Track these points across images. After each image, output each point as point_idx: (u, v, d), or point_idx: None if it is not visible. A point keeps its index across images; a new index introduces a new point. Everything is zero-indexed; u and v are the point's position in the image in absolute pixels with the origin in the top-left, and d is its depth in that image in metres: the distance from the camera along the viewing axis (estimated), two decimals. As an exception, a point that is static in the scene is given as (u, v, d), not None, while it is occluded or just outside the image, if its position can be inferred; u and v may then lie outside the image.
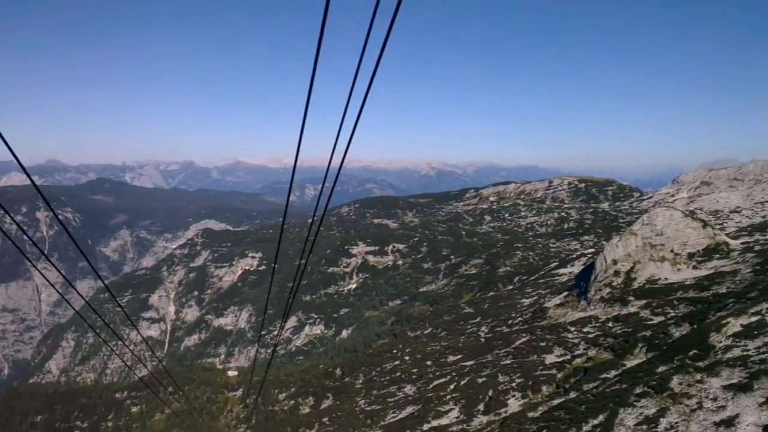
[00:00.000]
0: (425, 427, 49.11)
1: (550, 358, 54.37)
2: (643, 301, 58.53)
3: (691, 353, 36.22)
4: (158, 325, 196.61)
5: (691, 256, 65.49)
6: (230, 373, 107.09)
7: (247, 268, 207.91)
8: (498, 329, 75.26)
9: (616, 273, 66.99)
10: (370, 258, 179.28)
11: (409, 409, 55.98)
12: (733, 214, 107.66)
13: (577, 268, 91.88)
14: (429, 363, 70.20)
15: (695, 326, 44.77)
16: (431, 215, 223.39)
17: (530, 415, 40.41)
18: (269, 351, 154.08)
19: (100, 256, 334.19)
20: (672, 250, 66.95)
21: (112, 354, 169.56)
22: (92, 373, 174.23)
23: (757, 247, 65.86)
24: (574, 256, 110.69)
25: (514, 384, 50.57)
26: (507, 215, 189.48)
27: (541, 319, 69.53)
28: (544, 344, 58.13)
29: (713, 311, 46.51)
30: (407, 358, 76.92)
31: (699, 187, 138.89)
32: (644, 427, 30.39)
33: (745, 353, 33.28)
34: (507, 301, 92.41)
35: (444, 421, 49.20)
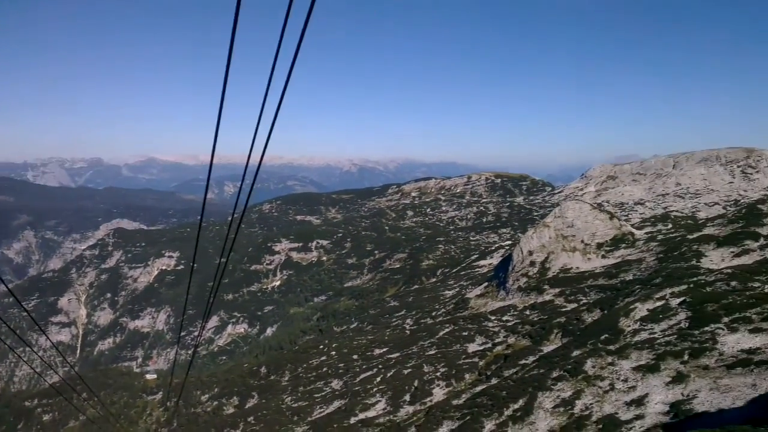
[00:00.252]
0: (352, 420, 49.34)
1: (472, 347, 56.08)
2: (558, 289, 61.58)
3: (602, 337, 38.50)
4: (69, 330, 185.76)
5: (599, 246, 69.52)
6: (149, 376, 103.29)
7: (164, 268, 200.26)
8: (422, 321, 76.71)
9: (532, 263, 70.03)
10: (294, 255, 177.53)
11: (337, 404, 56.06)
12: (637, 206, 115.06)
13: (495, 259, 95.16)
14: (355, 357, 70.56)
15: (605, 312, 47.61)
16: (354, 211, 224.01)
17: (454, 402, 41.54)
18: (190, 352, 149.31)
19: (3, 258, 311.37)
20: (582, 241, 70.80)
21: (20, 361, 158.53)
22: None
23: (659, 237, 70.88)
24: (493, 248, 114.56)
25: (438, 373, 51.77)
26: (428, 210, 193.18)
27: (463, 310, 71.53)
28: (466, 334, 59.86)
29: (621, 297, 49.64)
30: (333, 353, 76.94)
31: (605, 181, 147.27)
32: (561, 409, 32.00)
33: (651, 336, 35.76)
34: (430, 294, 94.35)
35: (371, 413, 49.63)
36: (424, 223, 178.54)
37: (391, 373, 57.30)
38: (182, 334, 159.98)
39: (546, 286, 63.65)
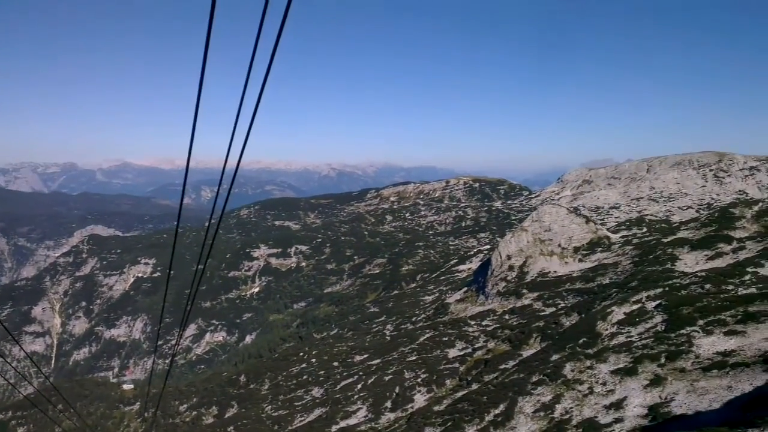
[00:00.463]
0: (333, 428, 49.00)
1: (452, 352, 56.15)
2: (536, 294, 62.05)
3: (580, 341, 38.80)
4: (43, 339, 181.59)
5: (576, 249, 70.26)
6: (125, 386, 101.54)
7: (140, 275, 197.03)
8: (403, 327, 76.62)
9: (511, 267, 70.48)
10: (273, 260, 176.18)
11: (317, 412, 55.60)
12: (612, 210, 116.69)
13: (475, 264, 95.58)
14: (336, 364, 70.15)
15: (583, 316, 48.05)
16: (333, 216, 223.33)
17: (435, 408, 41.50)
18: (167, 361, 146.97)
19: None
20: (559, 245, 71.50)
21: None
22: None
23: (635, 240, 71.91)
24: (472, 252, 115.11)
25: (419, 379, 51.69)
26: (408, 215, 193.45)
27: (443, 315, 71.62)
28: (446, 339, 59.93)
29: (598, 301, 50.16)
30: (314, 360, 76.42)
31: (581, 185, 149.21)
32: (542, 413, 32.13)
33: (629, 339, 36.14)
34: (410, 299, 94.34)
35: (352, 421, 49.32)
36: (404, 228, 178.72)
37: (372, 379, 57.07)
38: (159, 342, 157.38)
39: (524, 291, 64.07)
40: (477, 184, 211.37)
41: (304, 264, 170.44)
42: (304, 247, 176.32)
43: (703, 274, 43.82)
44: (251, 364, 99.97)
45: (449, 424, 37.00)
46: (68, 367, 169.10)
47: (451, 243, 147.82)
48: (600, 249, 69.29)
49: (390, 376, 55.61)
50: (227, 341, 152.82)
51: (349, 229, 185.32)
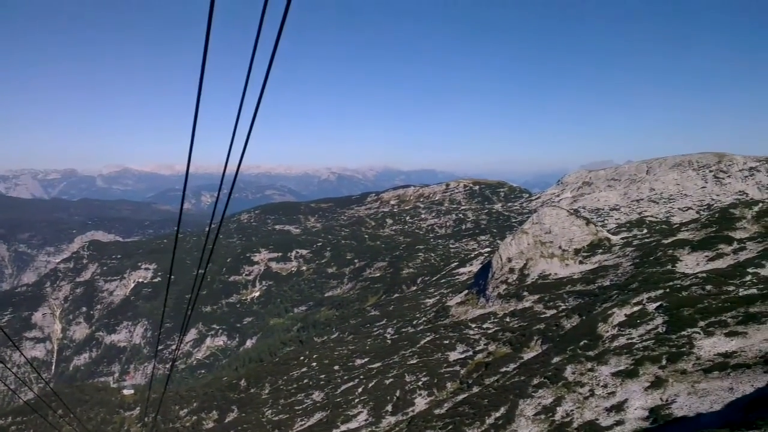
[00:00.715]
0: (334, 432, 48.86)
1: (453, 355, 56.05)
2: (537, 296, 61.97)
3: (581, 343, 38.73)
4: (44, 345, 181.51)
5: (577, 251, 70.21)
6: (126, 391, 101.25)
7: (140, 280, 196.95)
8: (403, 330, 76.51)
9: (511, 270, 70.42)
10: (273, 265, 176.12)
11: (318, 416, 55.47)
12: (612, 212, 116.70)
13: (475, 267, 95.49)
14: (336, 368, 70.02)
15: (584, 318, 47.96)
16: (333, 220, 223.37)
17: (436, 412, 41.38)
18: (168, 366, 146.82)
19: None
20: (560, 247, 71.45)
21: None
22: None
23: (635, 242, 71.88)
24: (472, 255, 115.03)
25: (420, 383, 51.58)
26: (408, 218, 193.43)
27: (444, 318, 71.54)
28: (447, 342, 59.83)
29: (599, 303, 50.07)
30: (314, 364, 76.26)
31: (581, 187, 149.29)
32: (542, 416, 32.05)
33: (630, 341, 36.07)
34: (411, 302, 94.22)
35: (353, 424, 49.21)
36: (404, 231, 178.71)
37: (373, 383, 56.95)
38: (160, 347, 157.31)
39: (525, 293, 64.00)
40: (477, 187, 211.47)
41: (304, 268, 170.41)
42: (304, 251, 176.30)
43: (704, 275, 43.75)
44: (252, 368, 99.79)
45: (450, 427, 36.91)
46: (68, 372, 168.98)
47: (451, 246, 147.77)
48: (600, 251, 69.24)
49: (391, 380, 55.50)
50: (228, 345, 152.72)
51: (349, 232, 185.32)
